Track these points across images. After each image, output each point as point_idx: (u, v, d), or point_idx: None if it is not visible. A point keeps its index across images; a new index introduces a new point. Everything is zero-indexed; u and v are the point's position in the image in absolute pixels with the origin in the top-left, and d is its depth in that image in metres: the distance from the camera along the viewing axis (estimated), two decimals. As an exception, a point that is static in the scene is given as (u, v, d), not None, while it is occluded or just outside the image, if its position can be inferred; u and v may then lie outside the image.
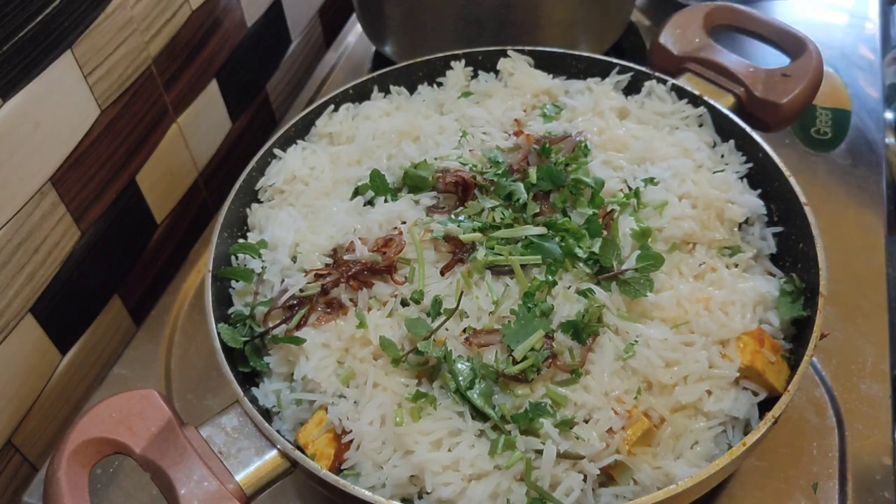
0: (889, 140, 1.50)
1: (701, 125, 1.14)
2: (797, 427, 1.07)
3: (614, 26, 1.50)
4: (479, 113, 1.15)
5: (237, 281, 1.01)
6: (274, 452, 0.83)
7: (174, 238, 1.38)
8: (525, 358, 0.85)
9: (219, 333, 0.92)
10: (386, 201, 1.04)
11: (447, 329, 0.89)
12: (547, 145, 1.05)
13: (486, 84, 1.21)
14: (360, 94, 1.22)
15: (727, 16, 1.28)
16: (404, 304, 0.94)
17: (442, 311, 0.91)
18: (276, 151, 1.13)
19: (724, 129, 1.13)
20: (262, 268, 1.00)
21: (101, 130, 1.13)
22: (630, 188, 1.04)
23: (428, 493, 0.81)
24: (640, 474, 0.83)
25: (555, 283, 0.92)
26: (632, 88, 1.21)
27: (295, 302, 0.95)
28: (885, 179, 1.37)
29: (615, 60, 1.21)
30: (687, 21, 1.26)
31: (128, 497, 1.04)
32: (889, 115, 1.55)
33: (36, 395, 1.12)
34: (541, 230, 0.96)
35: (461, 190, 1.02)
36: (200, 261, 1.30)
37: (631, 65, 1.20)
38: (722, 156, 1.10)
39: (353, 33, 1.70)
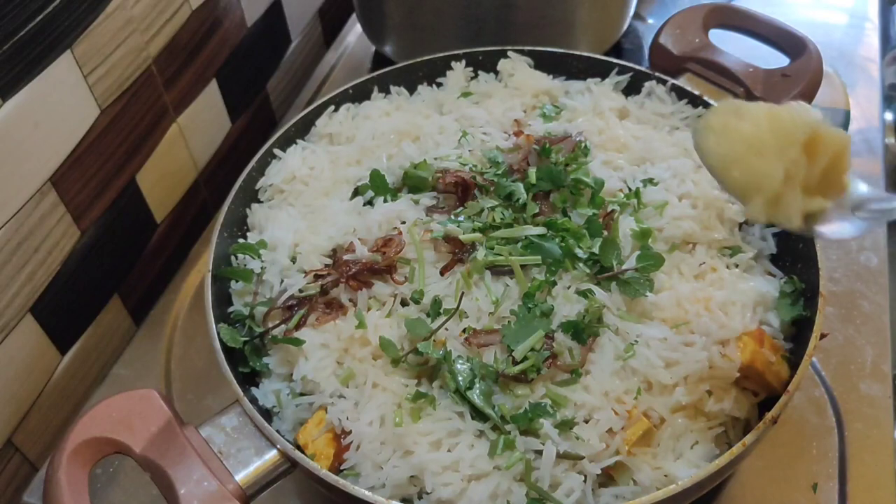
0: (889, 140, 1.50)
1: (701, 125, 1.14)
2: (797, 427, 1.07)
3: (614, 26, 1.50)
4: (479, 113, 1.15)
5: (237, 281, 1.01)
6: (274, 452, 0.83)
7: (174, 238, 1.38)
8: (525, 358, 0.85)
9: (218, 333, 0.92)
10: (386, 201, 1.04)
11: (447, 329, 0.89)
12: (547, 145, 1.05)
13: (486, 84, 1.21)
14: (360, 94, 1.22)
15: (727, 16, 1.28)
16: (404, 304, 0.94)
17: (442, 311, 0.91)
18: (276, 151, 1.13)
19: (724, 129, 1.12)
20: (262, 268, 1.00)
21: (101, 130, 1.13)
22: (630, 188, 1.04)
23: (428, 494, 0.81)
24: (640, 474, 0.83)
25: (555, 284, 0.92)
26: (632, 89, 1.21)
27: (294, 302, 0.95)
28: (885, 179, 1.37)
29: (615, 60, 1.21)
30: (687, 21, 1.26)
31: (128, 497, 1.04)
32: (889, 115, 1.55)
33: (36, 395, 1.12)
34: (541, 230, 0.96)
35: (461, 190, 1.03)
36: (200, 261, 1.30)
37: (631, 65, 1.20)
38: (722, 156, 1.10)
39: (353, 33, 1.70)
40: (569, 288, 0.92)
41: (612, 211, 1.00)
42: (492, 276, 0.94)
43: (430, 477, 0.81)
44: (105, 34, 1.09)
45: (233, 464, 0.82)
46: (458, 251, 0.95)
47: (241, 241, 1.05)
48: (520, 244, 0.96)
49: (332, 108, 1.19)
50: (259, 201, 1.11)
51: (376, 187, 1.05)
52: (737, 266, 1.00)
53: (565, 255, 0.94)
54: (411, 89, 1.24)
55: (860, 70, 1.58)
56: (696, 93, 1.15)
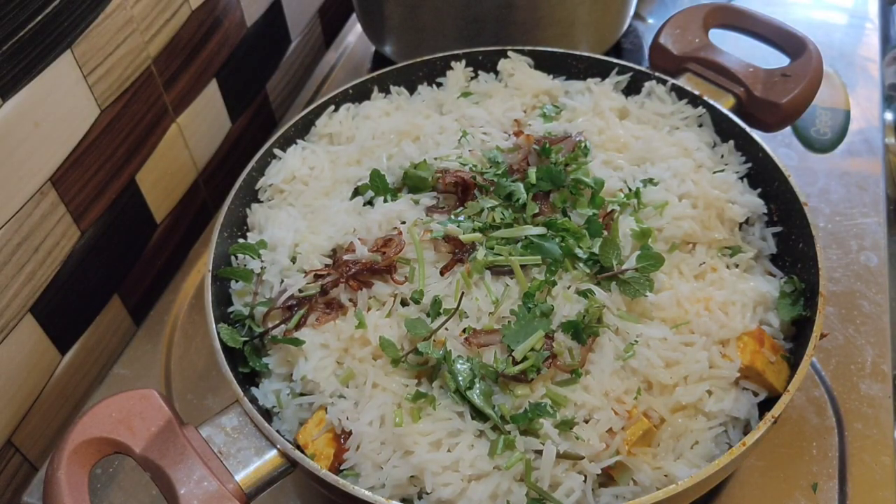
0: (889, 140, 1.50)
1: (701, 125, 1.14)
2: (797, 427, 1.07)
3: (614, 26, 1.50)
4: (479, 113, 1.15)
5: (237, 281, 1.01)
6: (274, 452, 0.83)
7: (174, 238, 1.38)
8: (525, 358, 0.85)
9: (218, 333, 0.92)
10: (386, 201, 1.04)
11: (447, 329, 0.89)
12: (547, 145, 1.05)
13: (486, 84, 1.21)
14: (360, 94, 1.22)
15: (727, 16, 1.28)
16: (404, 303, 0.94)
17: (442, 311, 0.91)
18: (276, 151, 1.13)
19: (723, 129, 1.13)
20: (262, 268, 1.00)
21: (101, 130, 1.13)
22: (630, 188, 1.04)
23: (428, 494, 0.81)
24: (640, 474, 0.83)
25: (555, 284, 0.92)
26: (632, 89, 1.21)
27: (294, 302, 0.95)
28: (885, 179, 1.38)
29: (615, 60, 1.21)
30: (687, 21, 1.26)
31: (128, 497, 1.04)
32: (889, 115, 1.55)
33: (36, 395, 1.12)
34: (540, 230, 0.96)
35: (461, 190, 1.02)
36: (200, 261, 1.30)
37: (631, 65, 1.20)
38: (722, 156, 1.10)
39: (353, 33, 1.70)
40: (569, 288, 0.92)
41: (612, 211, 1.00)
42: (492, 276, 0.94)
43: (430, 477, 0.81)
44: (105, 34, 1.09)
45: (233, 464, 0.82)
46: (458, 251, 0.95)
47: (241, 241, 1.05)
48: (520, 244, 0.96)
49: (332, 108, 1.19)
50: (259, 201, 1.11)
51: (376, 187, 1.05)
52: (737, 266, 1.00)
53: (565, 255, 0.94)
54: (411, 89, 1.24)
55: (860, 70, 1.58)
56: (696, 93, 1.15)
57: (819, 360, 1.13)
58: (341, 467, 0.86)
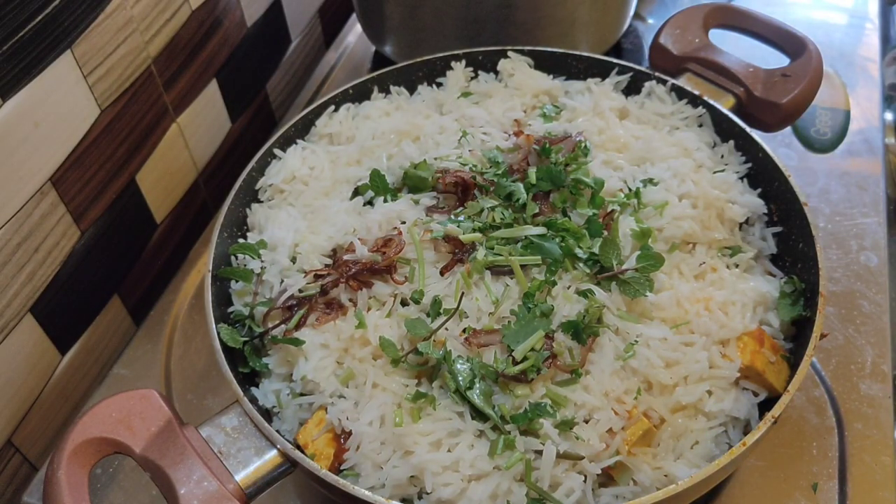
0: (889, 140, 1.50)
1: (701, 125, 1.15)
2: (797, 427, 1.07)
3: (614, 26, 1.50)
4: (479, 113, 1.15)
5: (237, 281, 1.01)
6: (274, 452, 0.83)
7: (174, 238, 1.39)
8: (525, 358, 0.85)
9: (218, 333, 0.92)
10: (386, 201, 1.04)
11: (447, 329, 0.89)
12: (547, 145, 1.05)
13: (486, 84, 1.21)
14: (360, 94, 1.22)
15: (727, 16, 1.28)
16: (404, 303, 0.94)
17: (442, 311, 0.91)
18: (276, 151, 1.13)
19: (723, 129, 1.13)
20: (262, 268, 1.00)
21: (101, 130, 1.13)
22: (630, 188, 1.04)
23: (428, 494, 0.81)
24: (640, 475, 0.83)
25: (555, 284, 0.92)
26: (632, 89, 1.21)
27: (294, 302, 0.95)
28: (885, 179, 1.38)
29: (615, 60, 1.21)
30: (687, 21, 1.26)
31: (128, 497, 1.04)
32: (889, 115, 1.55)
33: (36, 395, 1.12)
34: (540, 230, 0.96)
35: (461, 190, 1.03)
36: (200, 261, 1.30)
37: (631, 65, 1.20)
38: (722, 156, 1.11)
39: (353, 33, 1.70)
40: (569, 288, 0.92)
41: (612, 211, 1.00)
42: (492, 276, 0.94)
43: (430, 477, 0.81)
44: (105, 34, 1.09)
45: (233, 464, 0.82)
46: (458, 251, 0.95)
47: (241, 241, 1.05)
48: (520, 244, 0.96)
49: (332, 108, 1.19)
50: (259, 201, 1.11)
51: (376, 187, 1.05)
52: (737, 266, 1.00)
53: (565, 255, 0.94)
54: (411, 89, 1.24)
55: (860, 70, 1.58)
56: (696, 93, 1.15)
57: (819, 360, 1.13)
58: (341, 467, 0.86)
